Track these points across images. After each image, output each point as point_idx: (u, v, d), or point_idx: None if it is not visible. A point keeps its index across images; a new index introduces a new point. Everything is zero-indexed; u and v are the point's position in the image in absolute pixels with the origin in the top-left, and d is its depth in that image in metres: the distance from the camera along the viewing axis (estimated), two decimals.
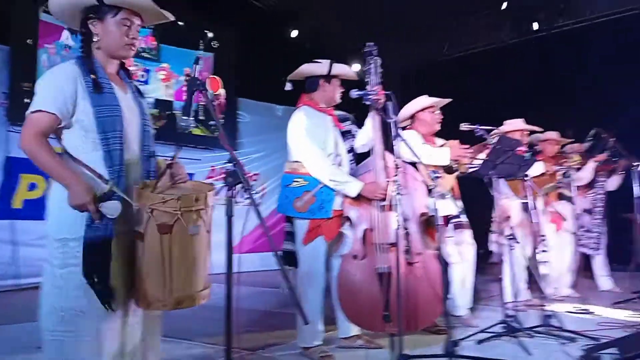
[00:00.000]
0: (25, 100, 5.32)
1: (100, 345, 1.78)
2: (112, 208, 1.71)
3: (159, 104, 6.84)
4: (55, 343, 1.76)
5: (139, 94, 2.04)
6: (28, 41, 5.55)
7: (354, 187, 3.01)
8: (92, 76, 1.81)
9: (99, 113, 1.80)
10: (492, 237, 4.82)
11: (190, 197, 1.73)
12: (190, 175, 6.83)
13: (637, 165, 5.10)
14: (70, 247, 1.76)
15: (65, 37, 5.79)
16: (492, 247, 4.80)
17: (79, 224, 1.75)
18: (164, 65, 7.01)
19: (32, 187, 5.72)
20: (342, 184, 3.03)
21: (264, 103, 8.17)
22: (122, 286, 1.82)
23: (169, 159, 1.96)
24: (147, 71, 6.76)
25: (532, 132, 4.90)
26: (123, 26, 1.89)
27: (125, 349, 1.87)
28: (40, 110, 1.76)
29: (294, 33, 7.79)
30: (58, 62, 5.68)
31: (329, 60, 3.20)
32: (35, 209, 5.60)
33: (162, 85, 7.03)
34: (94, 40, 1.89)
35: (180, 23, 6.71)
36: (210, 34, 7.39)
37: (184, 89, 7.26)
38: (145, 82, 6.69)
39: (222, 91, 7.45)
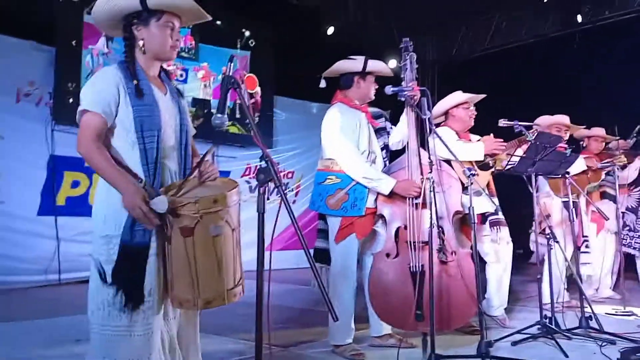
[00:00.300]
0: (70, 100, 5.52)
1: (151, 340, 1.83)
2: (160, 203, 1.74)
3: (198, 102, 6.99)
4: (106, 338, 1.81)
5: (178, 94, 2.09)
6: (73, 43, 5.74)
7: (386, 185, 2.99)
8: (135, 82, 1.87)
9: (137, 113, 1.86)
10: (533, 236, 4.71)
11: (209, 199, 1.75)
12: (226, 173, 7.00)
13: None
14: (114, 244, 1.81)
15: (102, 44, 5.97)
16: (533, 247, 4.70)
17: (122, 221, 1.81)
18: (203, 64, 7.15)
19: (75, 184, 5.93)
20: (375, 181, 3.01)
21: (299, 100, 8.22)
22: (160, 285, 1.86)
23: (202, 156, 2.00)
24: (185, 70, 6.90)
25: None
26: (167, 29, 1.95)
27: (167, 345, 1.92)
28: (87, 111, 1.84)
29: (330, 30, 7.79)
30: (101, 63, 5.90)
31: (363, 57, 3.19)
32: (77, 206, 5.81)
33: (200, 84, 7.17)
34: (138, 45, 1.94)
35: (217, 22, 6.82)
36: (247, 33, 7.48)
37: None
38: (184, 82, 6.84)
39: (258, 89, 7.53)
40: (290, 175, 8.11)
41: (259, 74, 7.55)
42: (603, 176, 4.94)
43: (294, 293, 5.33)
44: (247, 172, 7.41)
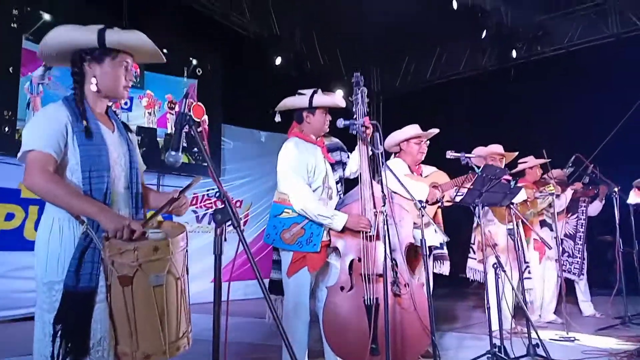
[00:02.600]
0: (6, 129, 5.23)
1: None
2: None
3: (142, 131, 6.81)
4: None
5: (126, 129, 2.02)
6: (9, 69, 5.49)
7: (339, 222, 2.99)
8: (84, 122, 1.80)
9: (84, 153, 1.78)
10: (470, 263, 4.83)
11: (149, 248, 1.66)
12: None
13: (617, 191, 5.21)
14: (57, 290, 1.71)
15: (40, 73, 5.74)
16: (469, 274, 4.81)
17: (66, 265, 1.71)
18: (148, 92, 7.01)
19: (10, 217, 5.59)
20: (328, 219, 3.00)
21: (247, 129, 8.20)
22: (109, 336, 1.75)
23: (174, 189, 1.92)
24: (130, 99, 6.74)
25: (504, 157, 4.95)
26: (122, 68, 1.89)
27: None
28: (34, 150, 1.73)
29: (278, 60, 7.86)
30: (41, 91, 5.67)
31: (311, 91, 3.19)
32: (12, 240, 5.46)
33: (144, 112, 7.02)
34: (90, 82, 1.87)
35: (164, 50, 6.71)
36: (194, 61, 7.42)
37: (168, 116, 7.25)
38: (129, 110, 6.67)
39: (205, 118, 7.44)
40: (238, 204, 8.01)
41: (206, 103, 7.45)
42: (539, 203, 5.16)
43: (243, 326, 5.21)
44: (194, 202, 7.26)
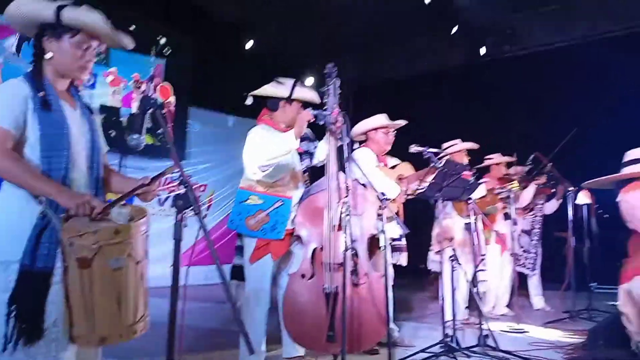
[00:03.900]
0: None
1: None
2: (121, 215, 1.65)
3: (106, 110, 6.65)
4: None
5: (89, 110, 1.98)
6: None
7: (287, 136, 2.95)
8: (41, 94, 1.75)
9: (44, 131, 1.74)
10: (431, 255, 4.95)
11: (109, 230, 1.65)
12: None
13: (572, 190, 5.40)
14: (13, 270, 1.67)
15: (11, 43, 5.54)
16: (430, 266, 4.93)
17: (22, 245, 1.67)
18: (112, 69, 6.83)
19: None
20: (284, 143, 2.95)
21: (215, 113, 8.10)
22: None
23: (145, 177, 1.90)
24: (94, 75, 6.56)
25: (472, 153, 5.07)
26: (78, 49, 1.84)
27: None
28: None
29: (249, 44, 7.78)
30: (0, 63, 5.47)
31: (292, 82, 3.20)
32: None
33: (109, 90, 6.85)
34: (46, 57, 1.83)
35: (131, 27, 6.54)
36: (163, 40, 7.26)
37: (133, 95, 7.10)
38: (92, 87, 6.50)
39: (172, 99, 7.33)
40: (203, 188, 7.94)
41: (173, 84, 7.36)
42: (500, 198, 5.30)
43: (203, 311, 5.21)
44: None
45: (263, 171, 3.03)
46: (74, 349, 1.81)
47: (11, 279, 1.67)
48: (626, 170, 2.11)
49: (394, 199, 3.77)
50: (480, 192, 4.66)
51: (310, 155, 3.43)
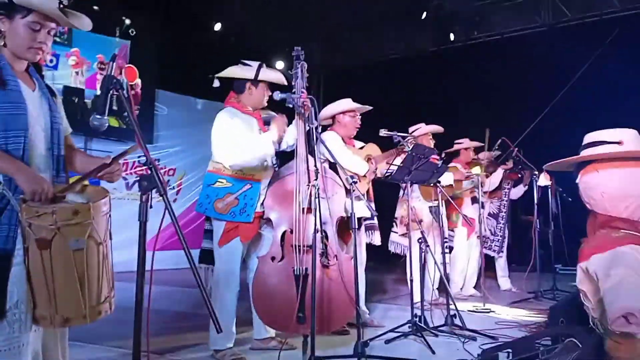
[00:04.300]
0: None
1: (19, 357, 1.67)
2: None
3: (69, 91, 6.48)
4: None
5: (49, 91, 1.92)
6: None
7: (267, 136, 3.01)
8: None
9: (0, 110, 1.69)
10: (392, 237, 5.00)
11: (68, 210, 1.63)
12: None
13: (537, 175, 5.54)
14: None
15: None
16: (391, 247, 4.99)
17: None
18: (75, 50, 6.64)
19: None
20: (261, 145, 3.01)
21: (183, 96, 7.98)
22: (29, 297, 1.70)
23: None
24: (56, 56, 6.37)
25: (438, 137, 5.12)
26: (30, 29, 1.79)
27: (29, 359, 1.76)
28: None
29: (217, 26, 7.65)
30: None
31: (257, 64, 3.18)
32: None
33: (72, 71, 6.66)
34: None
35: (95, 7, 6.36)
36: (127, 21, 7.08)
37: (98, 77, 6.92)
38: (54, 68, 6.32)
39: (138, 81, 7.16)
40: (171, 172, 7.84)
41: (139, 66, 7.19)
42: (465, 184, 5.40)
43: (172, 295, 5.17)
44: (124, 168, 7.02)
45: (234, 170, 3.02)
46: (40, 331, 1.78)
47: None
48: (584, 153, 2.17)
49: (364, 176, 3.79)
50: (448, 178, 4.73)
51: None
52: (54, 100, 1.92)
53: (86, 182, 1.86)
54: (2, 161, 1.66)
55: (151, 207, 1.61)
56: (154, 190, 1.62)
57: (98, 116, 1.67)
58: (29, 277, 1.65)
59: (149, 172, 1.58)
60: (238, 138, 3.02)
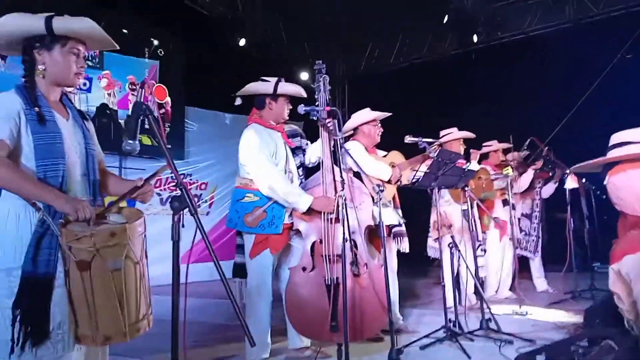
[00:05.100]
0: None
1: None
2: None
3: (102, 113, 6.68)
4: None
5: (82, 117, 2.02)
6: None
7: (305, 202, 3.06)
8: (36, 109, 1.79)
9: (37, 141, 1.79)
10: (429, 242, 4.99)
11: (106, 233, 1.70)
12: None
13: (568, 174, 5.44)
14: (15, 276, 1.72)
15: None
16: (430, 252, 4.97)
17: (23, 251, 1.72)
18: (106, 72, 6.86)
19: None
20: (294, 197, 3.07)
21: (211, 111, 8.14)
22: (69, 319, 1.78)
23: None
24: (89, 79, 6.59)
25: (468, 142, 5.10)
26: (72, 55, 1.89)
27: None
28: None
29: (242, 42, 7.79)
30: None
31: (275, 79, 3.25)
32: None
33: (104, 93, 6.88)
34: (39, 69, 1.87)
35: (124, 31, 6.59)
36: (156, 42, 7.29)
37: (129, 97, 7.14)
38: (88, 91, 6.53)
39: (168, 99, 7.36)
40: (203, 186, 7.99)
41: (168, 84, 7.39)
42: (496, 185, 5.35)
43: (207, 307, 5.26)
44: (157, 185, 7.20)
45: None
46: (83, 349, 1.86)
47: (14, 284, 1.71)
48: (611, 154, 2.15)
49: (389, 182, 3.81)
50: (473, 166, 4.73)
51: (303, 151, 3.49)
52: (87, 126, 2.02)
53: (122, 204, 1.95)
54: (42, 189, 1.74)
55: (183, 226, 1.67)
56: (185, 210, 1.69)
57: (130, 141, 1.75)
58: (70, 298, 1.73)
59: (180, 193, 1.65)
60: (273, 172, 3.08)
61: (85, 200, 1.79)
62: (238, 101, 3.30)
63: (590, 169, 2.30)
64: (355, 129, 4.03)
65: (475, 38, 7.71)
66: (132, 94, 7.13)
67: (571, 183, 5.47)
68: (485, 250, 5.27)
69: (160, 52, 7.34)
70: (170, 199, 1.67)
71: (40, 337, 1.70)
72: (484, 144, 5.65)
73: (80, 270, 1.67)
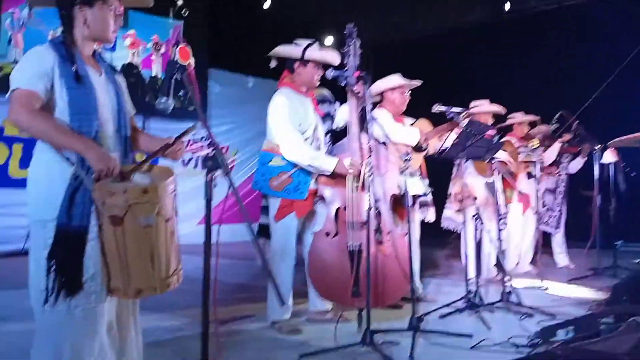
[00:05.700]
0: None
1: (94, 324, 1.79)
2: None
3: (126, 72, 6.69)
4: (46, 322, 1.76)
5: (114, 72, 2.02)
6: None
7: (330, 163, 3.04)
8: (74, 67, 1.79)
9: (71, 97, 1.79)
10: (446, 212, 4.90)
11: (138, 190, 1.71)
12: None
13: (598, 149, 5.31)
14: (50, 229, 1.75)
15: (25, 10, 5.61)
16: (445, 223, 4.88)
17: (58, 204, 1.74)
18: (131, 31, 6.83)
19: None
20: (319, 164, 3.05)
21: (234, 74, 8.07)
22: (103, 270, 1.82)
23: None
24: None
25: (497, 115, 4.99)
26: (111, 12, 1.88)
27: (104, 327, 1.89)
28: (20, 88, 1.74)
29: (267, 3, 7.67)
30: (23, 27, 5.54)
31: (306, 43, 3.17)
32: None
33: (129, 52, 6.87)
34: (79, 25, 1.87)
35: None
36: (180, 2, 7.21)
37: (153, 57, 7.11)
38: (112, 49, 6.52)
39: (191, 61, 7.30)
40: (225, 149, 8.01)
41: (192, 45, 7.28)
42: (521, 157, 5.24)
43: (230, 268, 5.34)
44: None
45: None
46: (114, 301, 1.91)
47: (49, 236, 1.74)
48: None
49: (417, 148, 3.76)
50: (502, 155, 4.62)
51: (332, 117, 3.45)
52: (118, 81, 2.02)
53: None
54: (74, 139, 1.74)
55: (215, 186, 1.68)
56: (218, 170, 1.69)
57: (164, 99, 1.74)
58: (103, 252, 1.77)
59: (213, 152, 1.64)
60: (299, 141, 3.05)
61: (115, 159, 1.79)
62: (273, 63, 3.24)
63: (627, 143, 2.23)
64: (381, 95, 3.95)
65: (507, 6, 7.47)
66: (156, 54, 7.10)
67: (609, 157, 5.31)
68: (506, 224, 5.22)
69: (185, 12, 7.26)
70: (203, 158, 1.66)
71: (74, 288, 1.74)
72: (508, 116, 5.51)
73: (114, 225, 1.70)
